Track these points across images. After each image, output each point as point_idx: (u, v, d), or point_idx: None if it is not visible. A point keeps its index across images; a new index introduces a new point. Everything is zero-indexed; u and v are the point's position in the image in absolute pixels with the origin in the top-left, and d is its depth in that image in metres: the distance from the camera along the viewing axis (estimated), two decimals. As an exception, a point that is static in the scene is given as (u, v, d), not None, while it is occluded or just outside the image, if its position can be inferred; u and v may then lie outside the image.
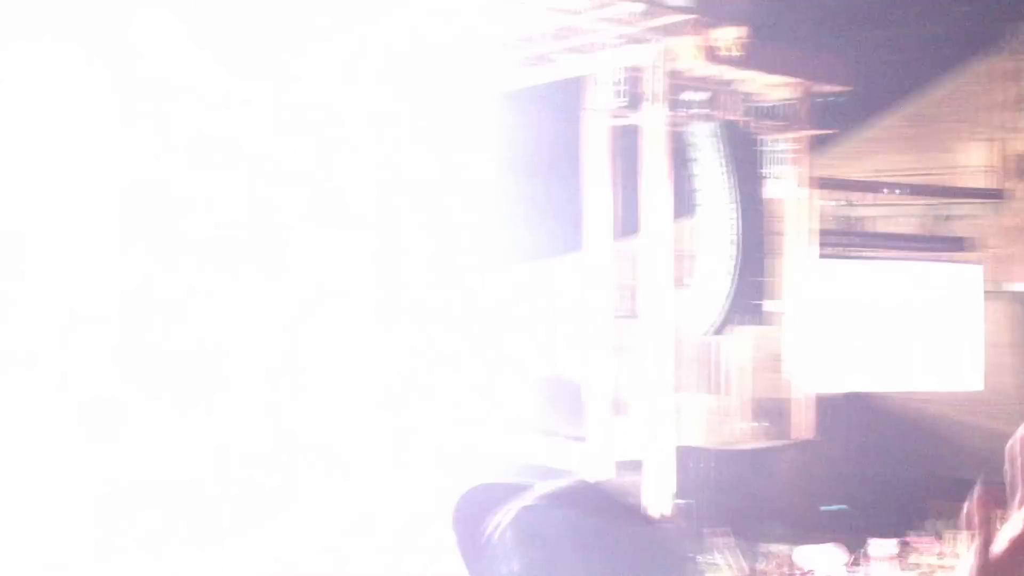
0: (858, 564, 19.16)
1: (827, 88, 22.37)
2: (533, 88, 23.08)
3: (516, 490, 3.47)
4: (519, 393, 26.90)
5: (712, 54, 20.25)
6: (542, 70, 22.65)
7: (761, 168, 21.40)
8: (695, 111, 20.91)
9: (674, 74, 20.75)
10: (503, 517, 3.51)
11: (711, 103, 21.20)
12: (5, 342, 16.26)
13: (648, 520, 3.88)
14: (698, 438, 22.54)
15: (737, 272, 20.21)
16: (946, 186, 24.90)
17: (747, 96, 21.96)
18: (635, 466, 21.06)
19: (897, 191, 24.72)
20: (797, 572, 19.05)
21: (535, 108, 24.13)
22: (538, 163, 25.14)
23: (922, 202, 24.85)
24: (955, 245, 24.48)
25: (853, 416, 23.95)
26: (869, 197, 24.97)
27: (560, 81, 22.50)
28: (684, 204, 21.61)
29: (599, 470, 21.25)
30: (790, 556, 19.29)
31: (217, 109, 18.36)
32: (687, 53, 20.33)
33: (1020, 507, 1.71)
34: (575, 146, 22.40)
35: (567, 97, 22.59)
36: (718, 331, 21.19)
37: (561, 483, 3.50)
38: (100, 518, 16.06)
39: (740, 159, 20.40)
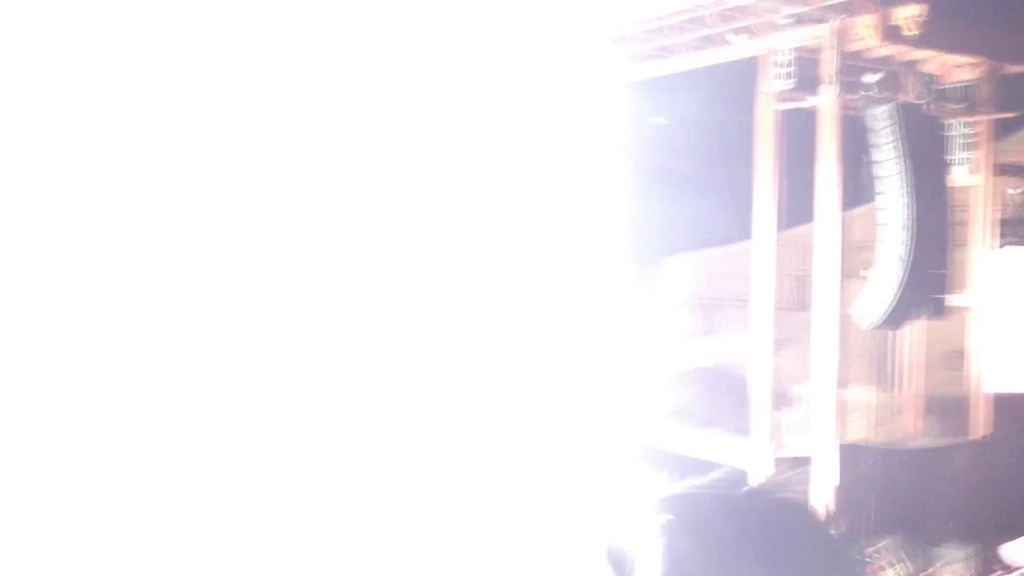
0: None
1: (1012, 68, 21.18)
2: (702, 71, 22.58)
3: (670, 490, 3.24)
4: (678, 385, 26.43)
5: (890, 33, 19.37)
6: (712, 53, 22.12)
7: (941, 154, 20.34)
8: (871, 93, 20.02)
9: (850, 55, 19.95)
10: (653, 515, 3.26)
11: (888, 85, 20.28)
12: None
13: (813, 517, 3.52)
14: (866, 434, 21.70)
15: (910, 263, 19.28)
16: None
17: (927, 77, 20.93)
18: (799, 463, 20.40)
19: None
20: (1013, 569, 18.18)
21: (704, 93, 23.62)
22: (707, 149, 24.65)
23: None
24: None
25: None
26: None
27: (731, 64, 21.93)
28: (859, 191, 20.80)
29: (761, 465, 20.65)
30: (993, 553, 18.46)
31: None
32: (863, 32, 19.49)
33: None
34: (746, 131, 21.77)
35: (738, 81, 21.99)
36: (891, 324, 20.27)
37: (719, 477, 3.23)
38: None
39: (918, 144, 19.42)
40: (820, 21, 19.74)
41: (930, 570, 18.16)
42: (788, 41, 20.04)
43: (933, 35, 19.43)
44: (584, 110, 24.15)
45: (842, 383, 20.38)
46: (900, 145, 19.20)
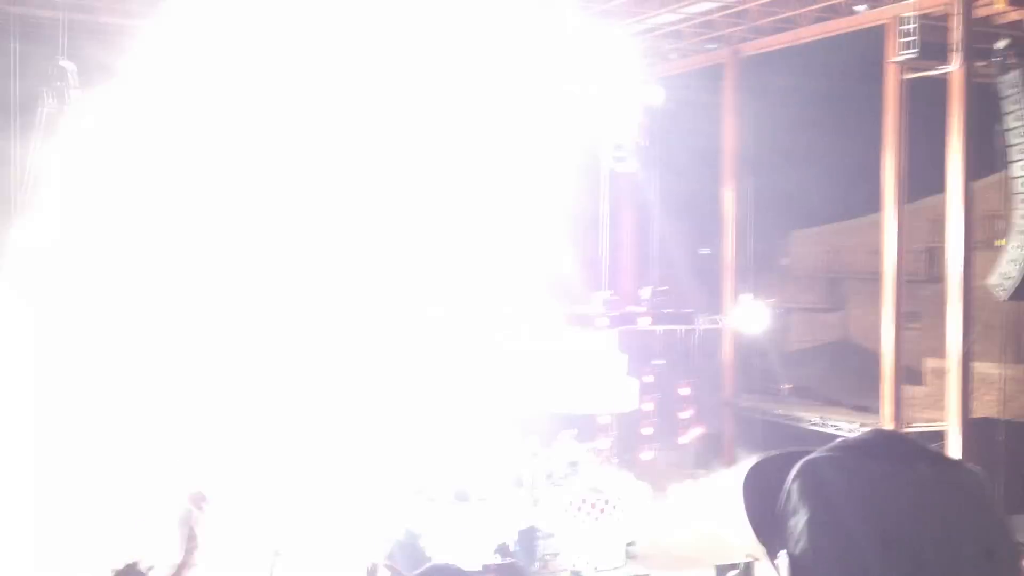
0: None
1: None
2: (827, 40, 22.21)
3: (804, 454, 3.30)
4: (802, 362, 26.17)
5: (1021, -2, 18.83)
6: (836, 23, 21.75)
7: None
8: (1000, 60, 19.40)
9: (977, 21, 19.41)
10: (790, 474, 3.35)
11: (1018, 51, 19.66)
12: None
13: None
14: (997, 409, 21.19)
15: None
16: None
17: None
18: (926, 439, 20.10)
19: None
20: None
21: (829, 62, 23.20)
22: (833, 119, 24.20)
23: None
24: None
25: None
26: None
27: (857, 32, 21.51)
28: (991, 160, 20.26)
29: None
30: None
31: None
32: (993, -3, 18.98)
33: None
34: (873, 100, 21.33)
35: (864, 50, 21.56)
36: (1024, 296, 19.71)
37: (855, 435, 3.29)
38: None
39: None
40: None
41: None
42: (913, 8, 19.54)
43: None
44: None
45: (973, 357, 19.91)
46: (1032, 112, 18.68)
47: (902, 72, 20.29)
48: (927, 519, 2.98)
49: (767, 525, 3.40)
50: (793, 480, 3.23)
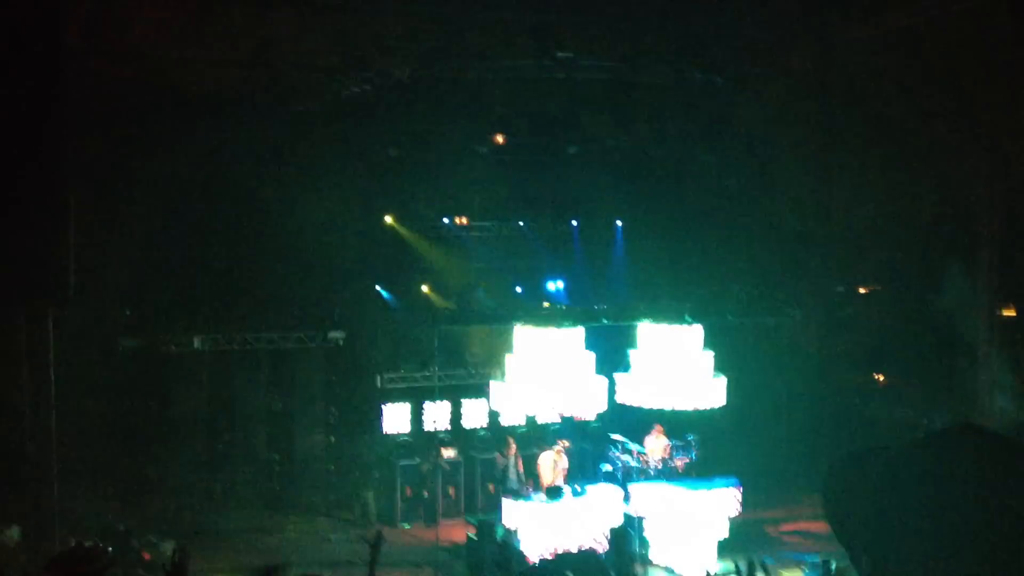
0: None
1: None
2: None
3: (884, 451, 3.30)
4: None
5: None
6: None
7: None
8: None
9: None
10: (870, 475, 3.35)
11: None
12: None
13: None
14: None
15: None
16: None
17: None
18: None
19: None
20: None
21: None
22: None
23: None
24: None
25: None
26: None
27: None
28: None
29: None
30: None
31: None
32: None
33: None
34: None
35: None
36: None
37: (934, 432, 3.28)
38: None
39: None
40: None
41: None
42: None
43: None
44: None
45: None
46: None
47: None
48: (997, 519, 2.95)
49: (847, 526, 3.40)
50: (870, 481, 3.23)
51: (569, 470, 19.19)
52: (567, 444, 19.40)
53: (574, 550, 15.82)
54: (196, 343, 20.60)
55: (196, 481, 20.75)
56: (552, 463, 18.89)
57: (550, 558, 15.42)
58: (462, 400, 22.58)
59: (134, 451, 20.12)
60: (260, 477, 21.72)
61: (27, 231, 13.16)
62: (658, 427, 19.54)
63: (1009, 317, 21.87)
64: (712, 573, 17.52)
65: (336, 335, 21.84)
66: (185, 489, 20.38)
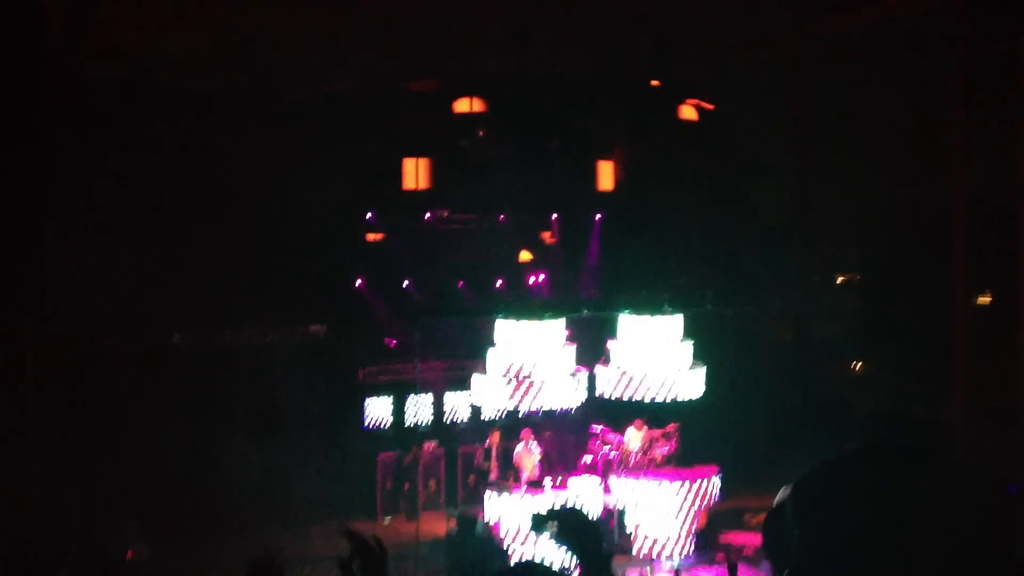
0: None
1: None
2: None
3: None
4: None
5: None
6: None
7: None
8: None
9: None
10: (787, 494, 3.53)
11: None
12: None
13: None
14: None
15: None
16: None
17: None
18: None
19: None
20: None
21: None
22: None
23: None
24: None
25: None
26: None
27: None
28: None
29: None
30: None
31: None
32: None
33: None
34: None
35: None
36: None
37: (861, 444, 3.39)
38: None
39: None
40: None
41: None
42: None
43: None
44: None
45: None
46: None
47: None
48: (914, 530, 3.10)
49: (773, 546, 3.57)
50: (787, 500, 3.41)
51: (550, 462, 19.34)
52: (528, 435, 19.39)
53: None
54: (175, 340, 20.65)
55: (178, 479, 20.79)
56: (527, 453, 19.02)
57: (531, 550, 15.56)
58: (444, 393, 22.68)
59: (115, 450, 20.15)
60: (241, 472, 21.78)
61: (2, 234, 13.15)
62: (638, 420, 19.68)
63: (983, 305, 22.13)
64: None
65: (317, 329, 21.94)
66: (167, 487, 20.42)
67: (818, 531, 3.33)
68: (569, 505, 17.19)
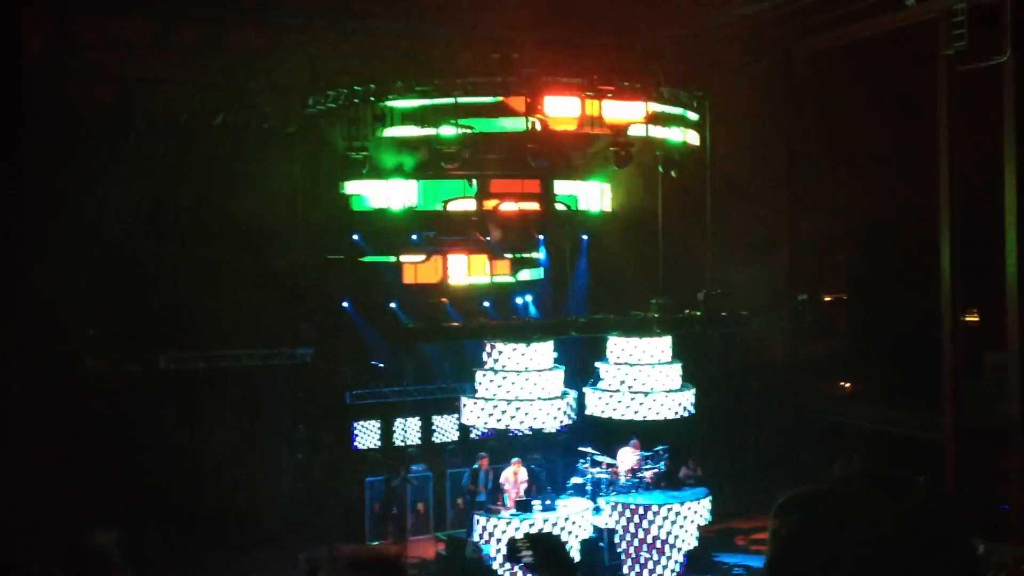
0: None
1: None
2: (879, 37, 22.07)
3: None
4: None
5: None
6: (887, 18, 21.57)
7: None
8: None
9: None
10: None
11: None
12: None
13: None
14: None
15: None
16: None
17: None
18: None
19: None
20: None
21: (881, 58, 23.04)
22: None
23: None
24: None
25: None
26: None
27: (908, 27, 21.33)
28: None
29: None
30: None
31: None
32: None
33: None
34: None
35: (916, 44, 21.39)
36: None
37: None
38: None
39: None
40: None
41: None
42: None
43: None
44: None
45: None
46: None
47: (955, 65, 20.09)
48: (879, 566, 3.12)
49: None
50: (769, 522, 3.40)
51: (539, 484, 19.22)
52: (519, 463, 19.24)
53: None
54: (161, 362, 20.49)
55: (161, 500, 20.57)
56: (513, 476, 18.88)
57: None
58: (432, 416, 22.56)
59: (98, 471, 19.93)
60: (227, 495, 21.57)
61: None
62: (636, 442, 19.56)
63: (971, 322, 22.13)
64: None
65: (304, 352, 21.80)
66: (149, 508, 20.20)
67: (790, 555, 3.41)
68: (555, 530, 17.22)
